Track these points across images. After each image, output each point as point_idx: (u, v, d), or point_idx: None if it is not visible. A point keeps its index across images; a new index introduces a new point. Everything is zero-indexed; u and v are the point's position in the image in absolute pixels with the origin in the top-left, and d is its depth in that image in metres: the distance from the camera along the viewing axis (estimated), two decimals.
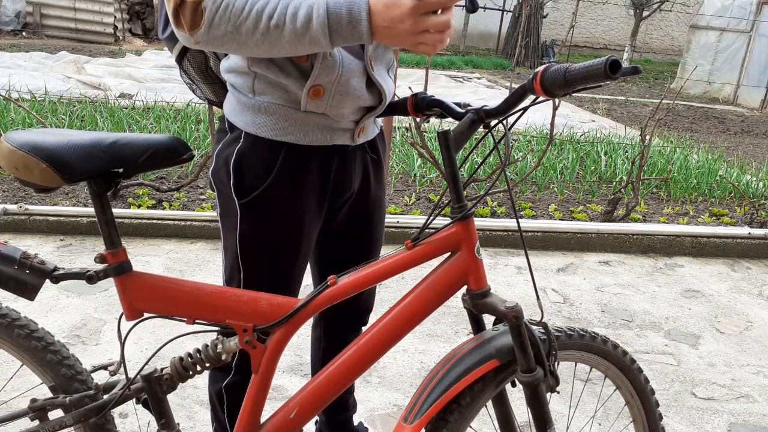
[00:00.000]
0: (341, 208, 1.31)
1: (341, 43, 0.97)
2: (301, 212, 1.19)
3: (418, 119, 1.18)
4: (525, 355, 1.08)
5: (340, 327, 1.51)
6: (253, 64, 1.10)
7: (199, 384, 2.06)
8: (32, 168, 0.95)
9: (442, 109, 1.14)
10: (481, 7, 15.06)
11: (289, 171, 1.15)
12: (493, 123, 1.08)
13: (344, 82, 1.11)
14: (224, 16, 0.94)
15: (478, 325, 1.16)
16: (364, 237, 1.37)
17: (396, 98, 1.28)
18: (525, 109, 1.04)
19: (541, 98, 0.99)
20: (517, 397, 2.10)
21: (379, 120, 1.34)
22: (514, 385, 1.17)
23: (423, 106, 1.18)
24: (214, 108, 2.83)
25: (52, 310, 2.45)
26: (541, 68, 0.95)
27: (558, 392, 1.16)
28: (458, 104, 1.14)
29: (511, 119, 1.09)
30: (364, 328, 1.47)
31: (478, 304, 1.11)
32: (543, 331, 1.12)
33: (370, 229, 1.37)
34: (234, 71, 1.15)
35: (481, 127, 1.08)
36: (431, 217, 1.11)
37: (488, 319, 1.17)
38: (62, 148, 0.95)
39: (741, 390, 2.31)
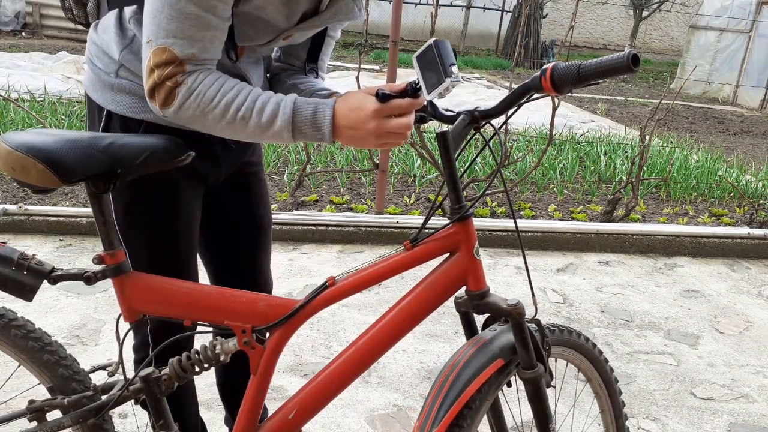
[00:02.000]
0: (215, 188, 1.31)
1: (302, 140, 1.04)
2: (168, 186, 1.19)
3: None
4: (527, 351, 1.10)
5: None
6: (125, 60, 1.11)
7: (198, 384, 2.06)
8: (29, 169, 0.95)
9: (428, 113, 1.14)
10: (481, 7, 15.07)
11: None
12: (484, 123, 1.08)
13: None
14: (194, 103, 1.01)
15: (470, 328, 1.16)
16: (247, 216, 1.38)
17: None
18: (519, 106, 1.04)
19: (536, 95, 0.99)
20: (511, 398, 2.09)
21: None
22: (509, 385, 1.17)
23: None
24: None
25: (51, 311, 2.45)
26: (549, 65, 0.96)
27: (554, 386, 1.17)
28: (446, 109, 1.13)
29: (501, 119, 1.09)
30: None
31: (479, 304, 1.11)
32: (536, 328, 1.13)
33: (252, 206, 1.38)
34: (103, 53, 1.15)
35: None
36: (428, 218, 1.11)
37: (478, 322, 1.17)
38: (59, 149, 0.95)
39: (741, 390, 2.31)
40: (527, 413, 2.00)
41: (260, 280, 1.46)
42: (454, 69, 0.98)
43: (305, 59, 1.31)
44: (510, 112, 1.06)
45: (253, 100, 1.02)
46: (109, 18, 1.15)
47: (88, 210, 3.25)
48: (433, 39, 1.00)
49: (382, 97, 1.01)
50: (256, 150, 1.39)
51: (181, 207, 1.21)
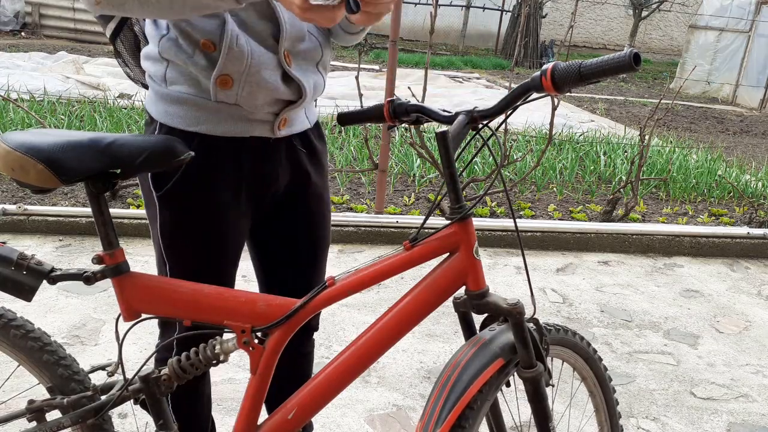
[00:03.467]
0: (271, 204, 1.28)
1: None
2: (217, 204, 1.17)
3: (406, 127, 1.17)
4: (527, 351, 1.10)
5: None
6: (164, 51, 1.09)
7: None
8: (29, 169, 0.95)
9: (425, 114, 1.13)
10: (480, 7, 15.07)
11: (201, 162, 1.14)
12: (483, 124, 1.08)
13: (254, 74, 1.09)
14: None
15: (469, 328, 1.16)
16: (306, 235, 1.34)
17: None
18: (515, 107, 1.05)
19: (535, 95, 1.00)
20: (510, 398, 2.10)
21: (315, 112, 1.31)
22: (508, 385, 1.17)
23: (401, 112, 1.16)
24: None
25: (51, 311, 2.45)
26: (549, 65, 0.96)
27: (553, 385, 1.17)
28: (443, 110, 1.13)
29: (499, 119, 1.10)
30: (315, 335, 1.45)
31: (479, 304, 1.11)
32: (534, 327, 1.14)
33: (312, 226, 1.34)
34: (149, 59, 1.14)
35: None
36: (427, 218, 1.11)
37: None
38: (59, 149, 0.95)
39: (740, 390, 2.31)
40: (524, 413, 2.00)
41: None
42: None
43: None
44: (504, 115, 1.07)
45: None
46: (148, 26, 1.14)
47: (88, 210, 3.24)
48: None
49: None
50: (320, 169, 1.33)
51: (228, 221, 1.20)
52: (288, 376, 1.45)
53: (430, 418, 1.06)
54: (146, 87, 1.31)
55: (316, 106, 1.33)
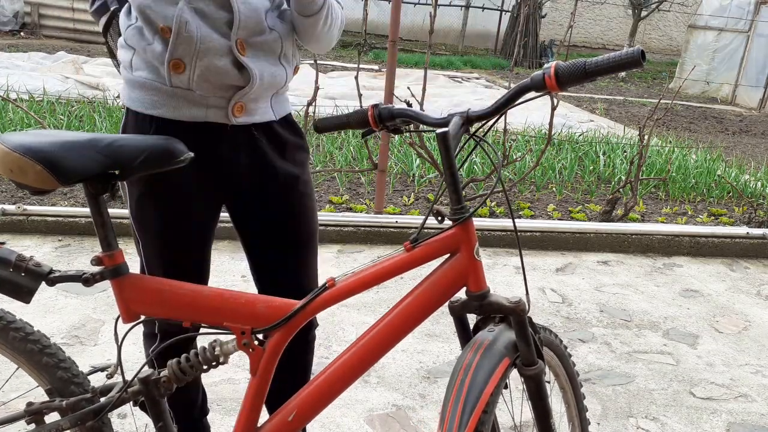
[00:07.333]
0: (240, 193, 1.29)
1: None
2: (178, 188, 1.20)
3: (387, 132, 1.17)
4: (529, 348, 1.11)
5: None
6: (129, 38, 1.17)
7: None
8: (27, 170, 0.94)
9: (413, 119, 1.12)
10: (480, 7, 15.07)
11: None
12: (480, 125, 1.09)
13: (203, 57, 1.13)
14: None
15: (465, 332, 1.16)
16: (284, 227, 1.33)
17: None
18: (510, 108, 1.06)
19: (531, 95, 1.01)
20: (508, 399, 2.09)
21: (285, 107, 1.31)
22: (506, 387, 1.17)
23: (387, 117, 1.15)
24: None
25: (50, 311, 2.44)
26: (551, 64, 0.98)
27: (549, 382, 1.18)
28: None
29: (492, 120, 1.10)
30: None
31: (482, 304, 1.11)
32: (529, 325, 1.14)
33: (290, 217, 1.33)
34: (121, 47, 1.21)
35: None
36: (425, 220, 1.11)
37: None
38: (57, 150, 0.95)
39: (739, 390, 2.31)
40: (513, 415, 2.00)
41: (301, 291, 1.45)
42: None
43: None
44: (497, 116, 1.08)
45: None
46: (121, 16, 1.22)
47: (87, 210, 3.24)
48: None
49: None
50: (293, 162, 1.32)
51: (189, 200, 1.23)
52: (287, 367, 1.45)
53: (451, 423, 1.05)
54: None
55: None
